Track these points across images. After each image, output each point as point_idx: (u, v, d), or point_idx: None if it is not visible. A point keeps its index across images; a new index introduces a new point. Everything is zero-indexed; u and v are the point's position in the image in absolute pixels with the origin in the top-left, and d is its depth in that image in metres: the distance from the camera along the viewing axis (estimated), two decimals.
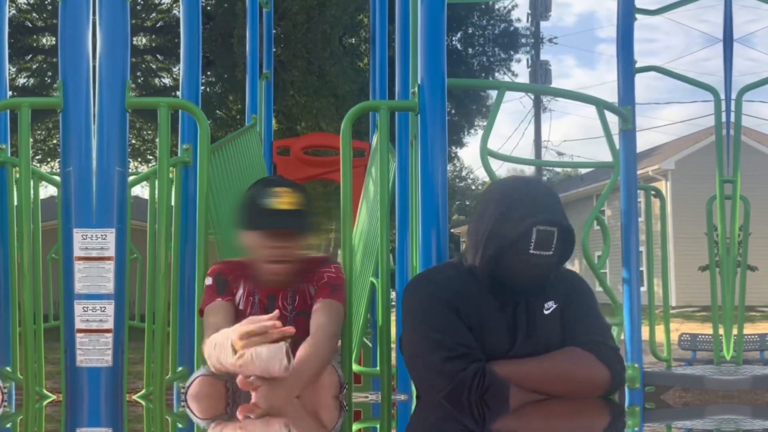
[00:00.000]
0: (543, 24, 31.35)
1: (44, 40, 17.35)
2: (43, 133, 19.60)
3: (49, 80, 18.43)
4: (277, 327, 2.92)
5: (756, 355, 12.55)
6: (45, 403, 3.93)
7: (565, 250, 3.11)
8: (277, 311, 3.07)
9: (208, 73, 20.69)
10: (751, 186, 8.42)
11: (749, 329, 12.72)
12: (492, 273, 3.11)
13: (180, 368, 4.49)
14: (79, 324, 3.47)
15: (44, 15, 17.71)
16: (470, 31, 23.85)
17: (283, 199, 3.34)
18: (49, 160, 20.22)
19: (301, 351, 3.13)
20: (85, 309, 3.49)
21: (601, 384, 3.05)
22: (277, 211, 3.33)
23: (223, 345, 3.00)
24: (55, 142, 18.39)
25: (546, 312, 3.14)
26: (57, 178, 4.06)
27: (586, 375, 3.04)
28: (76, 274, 3.50)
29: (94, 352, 3.48)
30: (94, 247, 3.52)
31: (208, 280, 3.51)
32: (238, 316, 3.46)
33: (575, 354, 3.07)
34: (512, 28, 24.77)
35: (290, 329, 2.96)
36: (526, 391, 3.00)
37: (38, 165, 19.57)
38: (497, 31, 24.14)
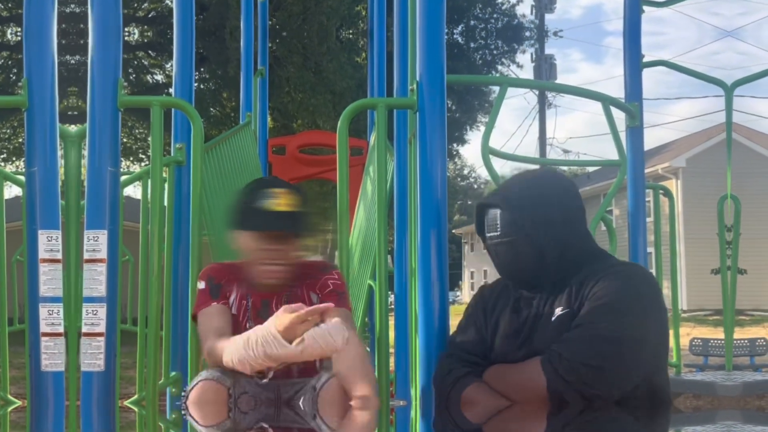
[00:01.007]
0: (548, 17, 31.30)
1: (9, 35, 17.15)
2: (8, 131, 19.55)
3: (14, 77, 18.33)
4: (316, 310, 3.03)
5: (746, 360, 12.53)
6: (9, 409, 3.96)
7: (528, 222, 3.09)
8: (300, 304, 3.10)
9: (202, 69, 20.69)
10: (741, 184, 8.42)
11: (738, 334, 12.74)
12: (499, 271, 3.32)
13: (173, 373, 4.52)
14: (44, 327, 3.48)
15: (9, 4, 17.51)
16: (472, 23, 23.83)
17: (279, 201, 3.37)
18: (14, 159, 20.16)
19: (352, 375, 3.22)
20: (51, 312, 3.50)
21: (536, 389, 2.95)
22: (272, 212, 3.35)
23: (267, 339, 3.03)
24: (20, 140, 18.29)
25: (553, 318, 3.09)
26: (22, 177, 4.07)
27: (519, 380, 3.02)
28: (41, 276, 3.51)
29: (58, 356, 3.49)
30: (56, 249, 3.53)
31: (201, 284, 3.53)
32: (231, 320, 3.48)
33: (529, 363, 3.01)
34: (516, 21, 24.75)
35: (329, 305, 3.10)
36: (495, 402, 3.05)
37: (2, 164, 19.58)
38: (500, 24, 24.12)
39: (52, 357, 3.48)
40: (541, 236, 3.10)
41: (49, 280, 3.51)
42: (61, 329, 3.51)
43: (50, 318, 3.51)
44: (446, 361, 3.28)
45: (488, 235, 3.18)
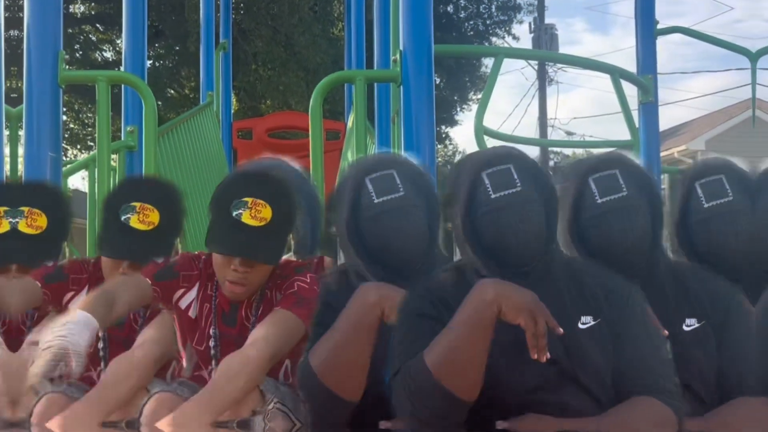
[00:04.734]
0: None
1: None
2: None
3: None
4: None
5: None
6: None
7: (534, 179, 2.92)
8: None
9: (157, 45, 20.63)
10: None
11: None
12: (480, 253, 2.90)
13: None
14: None
15: None
16: None
17: (257, 214, 3.26)
18: None
19: (222, 365, 2.99)
20: None
21: None
22: (246, 228, 3.24)
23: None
24: None
25: (582, 326, 2.83)
26: None
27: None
28: None
29: None
30: None
31: (160, 259, 3.42)
32: (187, 324, 3.38)
33: (653, 410, 2.74)
34: None
35: None
36: None
37: None
38: None
39: None
40: (552, 209, 2.97)
41: None
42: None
43: None
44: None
45: (495, 195, 2.87)
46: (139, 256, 3.28)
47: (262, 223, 3.18)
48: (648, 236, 3.01)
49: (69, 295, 3.41)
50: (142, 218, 3.25)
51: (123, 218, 3.25)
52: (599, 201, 3.02)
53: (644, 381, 2.75)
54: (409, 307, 2.90)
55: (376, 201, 3.00)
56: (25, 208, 3.30)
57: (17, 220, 3.30)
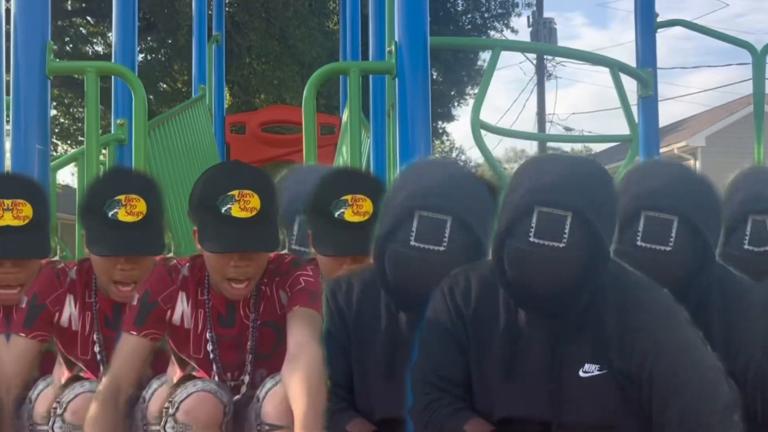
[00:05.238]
0: None
1: None
2: None
3: None
4: None
5: None
6: None
7: (588, 244, 2.66)
8: None
9: (149, 38, 20.58)
10: None
11: None
12: (500, 274, 2.77)
13: None
14: None
15: None
16: None
17: (246, 205, 3.20)
18: None
19: (301, 384, 2.87)
20: None
21: None
22: (238, 222, 3.18)
23: None
24: None
25: (583, 375, 2.72)
26: None
27: None
28: None
29: None
30: None
31: (133, 300, 3.34)
32: (182, 336, 3.31)
33: None
34: None
35: None
36: None
37: None
38: None
39: None
40: (605, 245, 2.73)
41: None
42: None
43: None
44: (422, 390, 2.82)
45: (535, 240, 2.66)
46: (135, 250, 3.23)
47: (253, 213, 3.12)
48: (571, 290, 2.70)
49: (167, 315, 3.26)
50: (130, 210, 3.19)
51: (110, 214, 3.16)
52: (532, 239, 2.67)
53: None
54: (437, 306, 2.88)
55: (531, 239, 2.66)
56: (8, 201, 3.25)
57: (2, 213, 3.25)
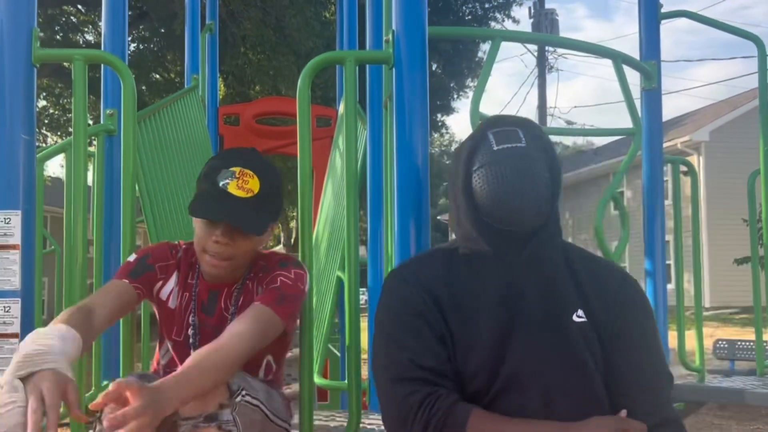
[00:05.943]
0: None
1: None
2: None
3: None
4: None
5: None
6: None
7: (541, 143, 2.89)
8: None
9: (142, 27, 20.57)
10: None
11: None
12: (475, 217, 2.86)
13: (105, 382, 4.44)
14: None
15: None
16: None
17: (244, 184, 3.23)
18: None
19: (195, 356, 2.82)
20: (6, 309, 3.45)
21: None
22: (224, 201, 3.21)
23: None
24: None
25: (576, 319, 2.79)
26: None
27: None
28: None
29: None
30: None
31: (131, 257, 3.40)
32: (166, 315, 3.38)
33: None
34: None
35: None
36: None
37: None
38: None
39: None
40: (557, 176, 2.92)
41: None
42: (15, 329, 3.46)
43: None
44: (409, 389, 2.73)
45: (499, 147, 2.84)
46: (232, 220, 3.18)
47: (249, 195, 3.16)
48: (545, 195, 2.84)
49: (158, 284, 3.37)
50: (242, 184, 3.18)
51: (221, 183, 3.17)
52: (495, 148, 2.85)
53: (643, 408, 2.71)
54: (398, 296, 2.88)
55: (495, 148, 2.85)
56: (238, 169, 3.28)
57: None
